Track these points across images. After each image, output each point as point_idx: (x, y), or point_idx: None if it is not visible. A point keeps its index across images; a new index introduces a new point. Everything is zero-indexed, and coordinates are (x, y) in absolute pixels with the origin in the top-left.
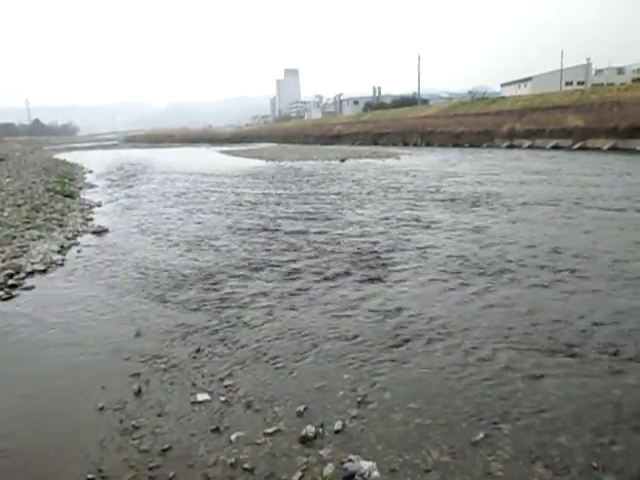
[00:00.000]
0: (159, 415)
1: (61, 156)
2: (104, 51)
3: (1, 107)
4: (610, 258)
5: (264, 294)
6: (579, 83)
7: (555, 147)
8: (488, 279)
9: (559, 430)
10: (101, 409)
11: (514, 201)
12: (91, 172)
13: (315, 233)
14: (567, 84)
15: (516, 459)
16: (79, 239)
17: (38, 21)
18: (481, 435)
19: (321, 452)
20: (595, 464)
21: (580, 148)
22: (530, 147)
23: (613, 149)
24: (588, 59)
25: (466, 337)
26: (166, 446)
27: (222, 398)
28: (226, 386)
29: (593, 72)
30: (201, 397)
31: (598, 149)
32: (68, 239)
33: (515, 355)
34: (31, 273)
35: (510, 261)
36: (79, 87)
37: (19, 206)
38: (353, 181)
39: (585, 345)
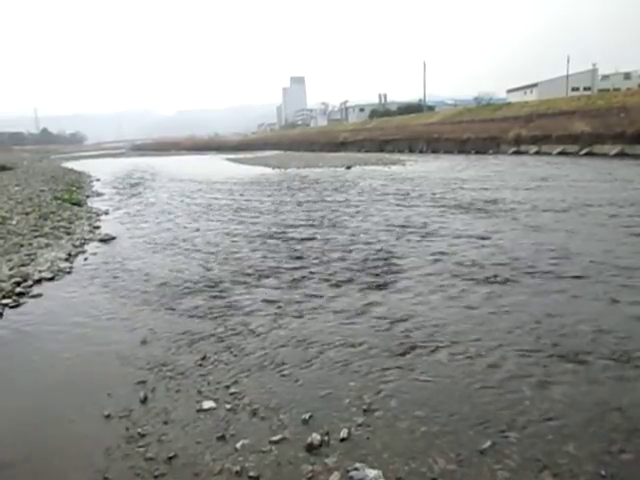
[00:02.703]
0: (165, 423)
1: (69, 164)
2: (111, 60)
3: (10, 116)
4: (618, 264)
5: (270, 301)
6: (585, 89)
7: (562, 153)
8: (495, 286)
9: (567, 438)
10: (107, 417)
11: (521, 207)
12: (98, 180)
13: (321, 240)
14: (573, 90)
15: (523, 467)
16: (86, 247)
17: (46, 32)
18: (488, 443)
19: (327, 460)
20: (603, 472)
21: (587, 154)
22: (536, 153)
23: (620, 155)
24: (594, 64)
25: (473, 344)
26: (172, 454)
27: (228, 406)
28: (232, 394)
29: (599, 78)
30: (207, 405)
31: (605, 155)
32: (75, 247)
33: (522, 362)
34: (38, 281)
35: (517, 267)
36: (87, 96)
37: (27, 214)
38: (359, 188)
39: (593, 352)
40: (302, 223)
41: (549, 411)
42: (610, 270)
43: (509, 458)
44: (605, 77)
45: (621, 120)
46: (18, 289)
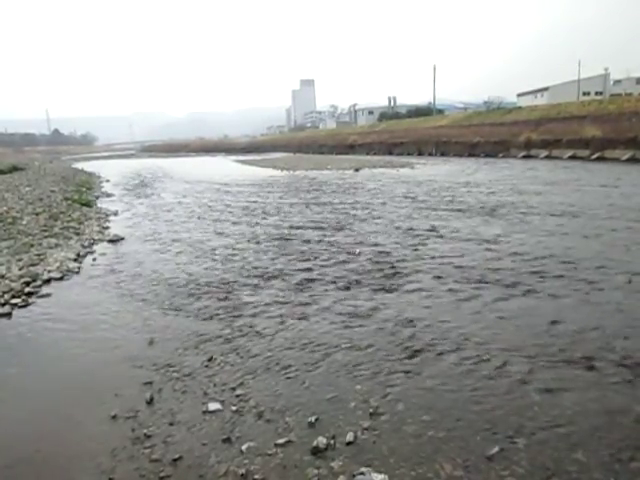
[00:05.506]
0: (171, 424)
1: (79, 165)
2: (122, 63)
3: (23, 118)
4: (628, 270)
5: (277, 303)
6: (597, 93)
7: (572, 157)
8: (503, 290)
9: (576, 445)
10: (113, 417)
11: (529, 211)
12: (108, 181)
13: (328, 242)
14: (584, 94)
15: (531, 474)
16: (95, 247)
17: (58, 35)
18: (496, 449)
19: (332, 464)
20: None
21: (598, 159)
22: (547, 157)
23: (632, 160)
24: (606, 69)
25: (480, 348)
26: (177, 456)
27: (233, 408)
28: (238, 396)
29: (611, 82)
30: (213, 406)
31: (616, 160)
32: (84, 247)
33: (530, 367)
34: (48, 281)
35: (525, 272)
36: (98, 98)
37: (37, 214)
38: (367, 190)
39: (602, 358)
40: (309, 225)
41: (558, 417)
42: (620, 275)
43: (517, 465)
44: (617, 82)
45: (633, 125)
46: (27, 289)
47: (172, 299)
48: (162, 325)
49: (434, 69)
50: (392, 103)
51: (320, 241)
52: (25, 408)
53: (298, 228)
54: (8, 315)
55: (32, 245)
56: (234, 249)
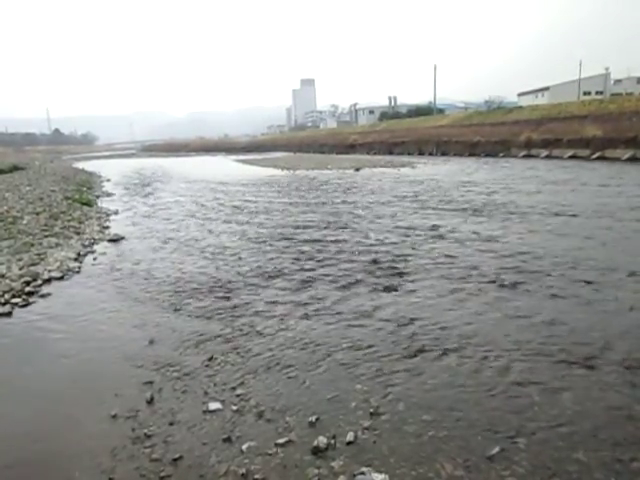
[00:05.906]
0: (171, 424)
1: (80, 165)
2: (123, 62)
3: (23, 117)
4: (628, 270)
5: (277, 303)
6: (597, 93)
7: (573, 157)
8: (503, 289)
9: (576, 445)
10: (114, 417)
11: (530, 211)
12: (109, 180)
13: (329, 242)
14: (585, 94)
15: (532, 474)
16: (95, 247)
17: (59, 34)
18: (496, 449)
19: (333, 464)
20: None
21: (598, 158)
22: (547, 157)
23: (632, 159)
24: (607, 69)
25: (481, 348)
26: (177, 455)
27: (234, 407)
28: (238, 395)
29: (612, 82)
30: (213, 406)
31: (617, 159)
32: (85, 247)
33: (531, 367)
34: (48, 280)
35: (526, 272)
36: (99, 97)
37: (38, 214)
38: (368, 190)
39: (603, 358)
40: (310, 225)
41: (558, 417)
42: (621, 275)
43: (518, 465)
44: (618, 81)
45: (633, 124)
46: (28, 288)
47: (172, 298)
48: (162, 324)
49: (434, 69)
50: (393, 103)
51: (320, 240)
52: (25, 407)
53: (298, 227)
54: (8, 314)
55: (32, 244)
56: (234, 248)
